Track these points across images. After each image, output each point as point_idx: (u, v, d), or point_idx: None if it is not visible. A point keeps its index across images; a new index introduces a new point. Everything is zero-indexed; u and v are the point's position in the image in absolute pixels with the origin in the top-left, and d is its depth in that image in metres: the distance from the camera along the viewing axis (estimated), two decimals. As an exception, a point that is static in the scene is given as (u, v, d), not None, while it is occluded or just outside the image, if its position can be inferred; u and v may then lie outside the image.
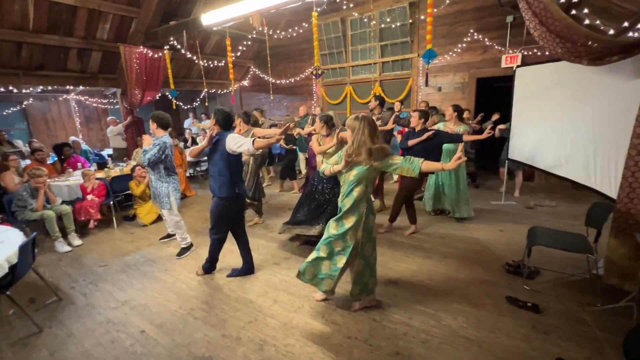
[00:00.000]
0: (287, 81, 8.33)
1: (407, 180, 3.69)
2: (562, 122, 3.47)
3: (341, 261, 2.26)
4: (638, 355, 1.82)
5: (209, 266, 3.15)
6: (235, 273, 3.12)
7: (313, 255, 2.36)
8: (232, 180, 2.78)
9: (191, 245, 3.69)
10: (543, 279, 2.82)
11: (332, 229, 2.28)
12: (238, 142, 2.63)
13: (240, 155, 2.81)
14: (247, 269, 3.13)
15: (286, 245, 3.70)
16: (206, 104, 7.27)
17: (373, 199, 4.35)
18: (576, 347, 2.04)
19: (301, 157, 6.60)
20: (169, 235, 4.08)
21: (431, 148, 3.58)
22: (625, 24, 2.41)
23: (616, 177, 2.63)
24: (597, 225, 2.63)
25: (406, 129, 4.27)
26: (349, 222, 2.22)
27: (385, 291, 2.72)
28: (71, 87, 6.46)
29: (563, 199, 4.81)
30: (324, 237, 2.33)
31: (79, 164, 5.51)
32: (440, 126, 4.09)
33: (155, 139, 3.41)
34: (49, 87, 6.10)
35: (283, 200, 5.55)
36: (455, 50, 5.95)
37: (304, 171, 6.75)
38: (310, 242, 3.58)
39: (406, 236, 3.80)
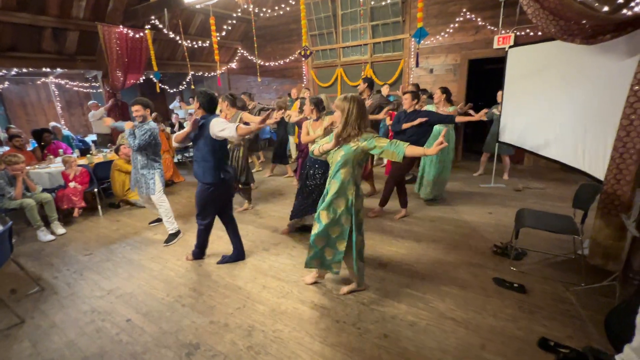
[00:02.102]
0: (276, 63, 8.08)
1: (396, 164, 3.66)
2: (552, 103, 3.44)
3: (342, 245, 2.27)
4: (618, 332, 1.86)
5: (199, 252, 3.12)
6: (225, 260, 3.08)
7: (311, 251, 2.35)
8: (217, 165, 2.69)
9: (179, 232, 3.63)
10: (530, 260, 2.86)
11: (324, 218, 2.24)
12: (222, 127, 2.53)
13: (225, 140, 2.71)
14: (238, 255, 3.09)
15: (276, 231, 3.66)
16: (192, 86, 7.01)
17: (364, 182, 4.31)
18: (560, 325, 2.08)
19: (291, 140, 6.49)
20: (159, 219, 3.99)
21: (423, 131, 3.55)
22: (620, 0, 2.35)
23: (604, 158, 2.63)
24: (584, 207, 2.64)
25: (395, 112, 4.20)
26: (339, 207, 2.20)
27: (374, 275, 2.72)
28: (48, 70, 6.15)
29: (551, 182, 4.86)
30: (317, 229, 2.28)
31: (60, 151, 5.32)
32: (429, 108, 4.04)
33: (146, 124, 3.36)
34: (24, 70, 5.79)
35: (273, 185, 5.48)
36: (447, 30, 5.81)
37: (294, 154, 6.67)
38: (305, 229, 3.54)
39: (396, 220, 3.80)
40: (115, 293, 2.69)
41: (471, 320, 2.17)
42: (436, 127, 3.86)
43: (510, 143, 4.32)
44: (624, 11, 2.37)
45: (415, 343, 2.00)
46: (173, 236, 3.56)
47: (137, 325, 2.29)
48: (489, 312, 2.24)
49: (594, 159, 2.83)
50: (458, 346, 1.97)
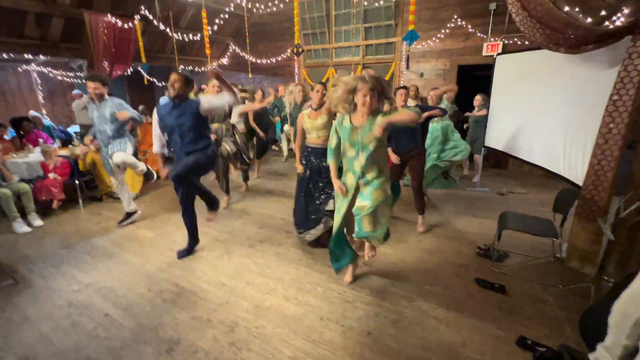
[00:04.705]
0: (268, 61, 8.04)
1: (415, 171, 3.44)
2: (536, 110, 3.54)
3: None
4: (592, 331, 1.92)
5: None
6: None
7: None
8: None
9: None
10: (511, 261, 2.93)
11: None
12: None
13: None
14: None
15: (262, 228, 3.63)
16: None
17: None
18: (537, 325, 2.14)
19: (283, 137, 6.51)
20: (128, 215, 3.76)
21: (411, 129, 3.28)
22: (603, 12, 2.44)
23: (583, 165, 2.72)
24: (563, 211, 2.73)
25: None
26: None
27: (359, 274, 2.73)
28: (30, 57, 5.93)
29: (534, 187, 4.99)
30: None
31: (40, 140, 5.13)
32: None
33: (109, 100, 3.29)
34: (5, 56, 5.56)
35: (258, 182, 5.43)
36: (438, 35, 5.91)
37: (286, 151, 6.70)
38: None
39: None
40: (94, 287, 2.61)
41: (453, 319, 2.20)
42: (434, 126, 4.03)
43: (496, 148, 4.43)
44: (606, 24, 2.46)
45: (398, 340, 2.02)
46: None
47: (116, 320, 2.23)
48: (470, 311, 2.28)
49: (573, 165, 2.92)
50: (439, 344, 1.99)
